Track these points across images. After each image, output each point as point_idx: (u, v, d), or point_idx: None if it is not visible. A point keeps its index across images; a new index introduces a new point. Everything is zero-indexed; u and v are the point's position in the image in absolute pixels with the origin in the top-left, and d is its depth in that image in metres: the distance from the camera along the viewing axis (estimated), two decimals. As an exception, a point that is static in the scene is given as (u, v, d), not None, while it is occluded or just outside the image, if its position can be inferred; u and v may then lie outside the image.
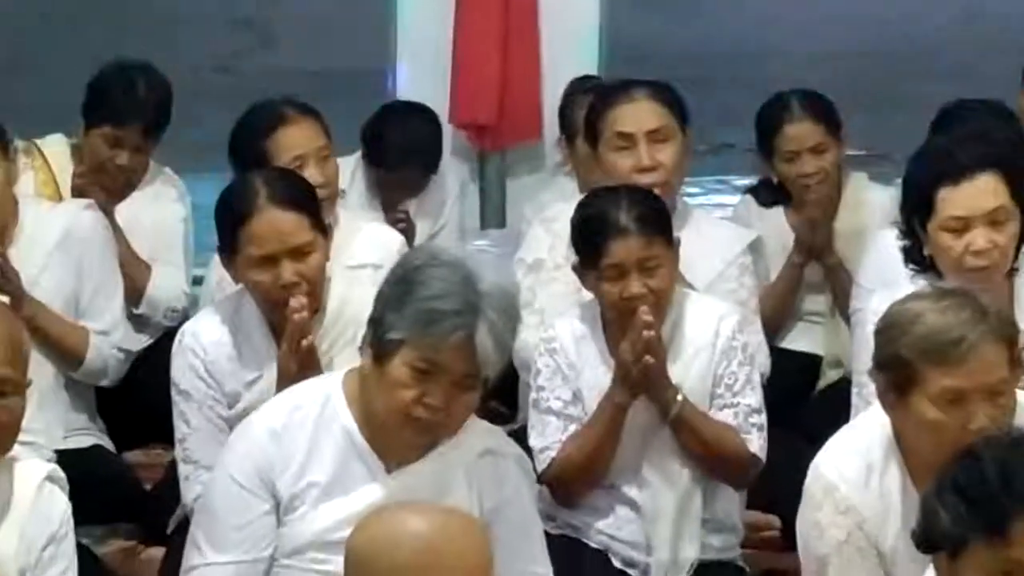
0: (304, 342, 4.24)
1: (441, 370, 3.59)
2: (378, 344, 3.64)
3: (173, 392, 4.48)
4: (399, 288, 3.67)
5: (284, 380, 4.17)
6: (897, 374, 3.59)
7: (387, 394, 3.64)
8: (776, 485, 4.44)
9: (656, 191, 4.70)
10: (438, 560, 2.74)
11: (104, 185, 5.44)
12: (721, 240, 5.15)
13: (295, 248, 4.30)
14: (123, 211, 5.44)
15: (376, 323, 3.67)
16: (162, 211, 5.61)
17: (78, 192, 5.35)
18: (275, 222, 4.30)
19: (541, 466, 4.39)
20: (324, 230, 4.45)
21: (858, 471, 3.70)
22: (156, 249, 5.50)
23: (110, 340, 5.08)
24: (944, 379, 3.52)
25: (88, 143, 5.52)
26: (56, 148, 5.61)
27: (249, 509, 3.70)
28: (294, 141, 5.02)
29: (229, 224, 4.39)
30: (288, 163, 4.94)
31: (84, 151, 5.55)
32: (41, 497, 3.62)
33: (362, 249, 4.89)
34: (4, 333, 3.55)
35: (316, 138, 5.05)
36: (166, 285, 5.43)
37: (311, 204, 4.44)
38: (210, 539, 3.75)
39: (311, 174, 4.89)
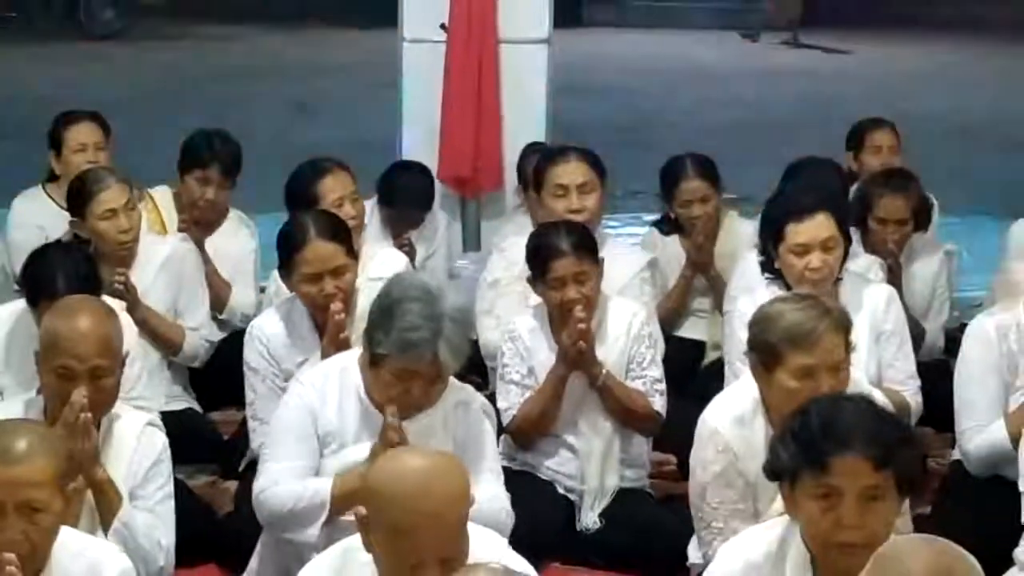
0: (342, 336, 4.25)
1: (416, 376, 3.64)
2: (371, 352, 3.67)
3: (245, 368, 4.47)
4: (384, 314, 3.66)
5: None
6: (766, 354, 3.59)
7: (379, 389, 3.70)
8: (673, 433, 4.41)
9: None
10: (429, 489, 2.74)
11: (197, 219, 5.38)
12: (628, 260, 5.12)
13: (334, 269, 4.32)
14: (211, 243, 5.37)
15: (369, 335, 3.69)
16: (238, 244, 5.54)
17: (180, 230, 5.31)
18: (319, 251, 4.32)
19: (505, 421, 4.40)
20: (355, 255, 4.46)
21: (733, 422, 3.69)
22: (235, 271, 5.42)
23: (199, 334, 5.06)
24: (800, 359, 3.52)
25: (184, 187, 5.47)
26: (162, 195, 5.54)
27: (301, 430, 3.74)
28: (335, 186, 5.01)
29: (287, 250, 4.38)
30: (331, 203, 4.92)
31: (181, 194, 5.49)
32: (144, 436, 3.63)
33: (378, 267, 4.80)
34: (100, 332, 3.52)
35: (349, 184, 5.05)
36: (241, 300, 5.39)
37: (346, 237, 4.43)
38: (274, 455, 3.77)
39: (346, 211, 4.89)
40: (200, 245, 5.27)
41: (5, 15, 15.99)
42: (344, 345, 4.21)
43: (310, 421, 3.77)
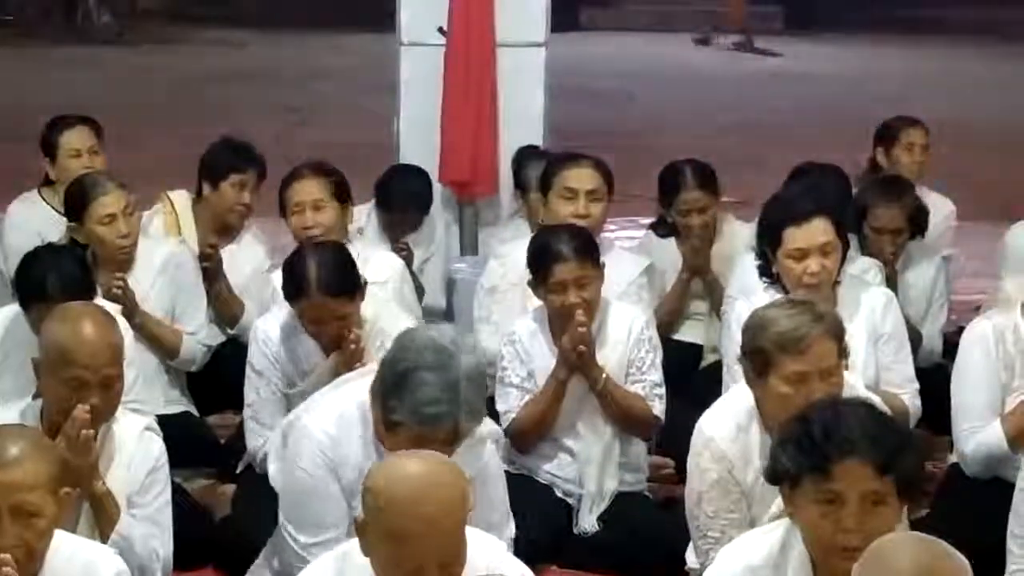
0: (356, 365, 4.09)
1: (433, 442, 3.30)
2: (385, 418, 3.41)
3: (248, 369, 4.45)
4: (398, 382, 3.38)
5: (336, 376, 4.01)
6: (759, 361, 3.57)
7: (394, 447, 3.34)
8: (672, 437, 4.41)
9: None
10: (427, 495, 2.72)
11: (230, 224, 5.42)
12: (626, 266, 5.12)
13: (342, 316, 4.24)
14: (225, 253, 5.33)
15: (383, 401, 3.40)
16: (254, 261, 5.46)
17: (207, 255, 5.23)
18: (320, 309, 4.24)
19: (504, 424, 4.39)
20: (362, 294, 4.32)
21: (729, 429, 3.68)
22: (247, 288, 5.33)
23: (197, 338, 5.04)
24: (792, 365, 3.51)
25: (219, 194, 5.41)
26: (180, 198, 5.51)
27: (325, 491, 3.50)
28: (305, 190, 4.98)
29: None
30: (296, 208, 4.93)
31: (213, 202, 5.43)
32: (142, 441, 3.62)
33: (374, 271, 4.80)
34: (109, 341, 3.56)
35: (318, 192, 4.98)
36: (255, 318, 5.07)
37: (357, 286, 4.30)
38: (301, 527, 3.53)
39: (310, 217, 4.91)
40: (216, 256, 5.24)
41: (2, 18, 15.99)
42: (357, 362, 4.14)
43: (331, 477, 3.53)
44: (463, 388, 3.36)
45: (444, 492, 2.72)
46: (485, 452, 3.71)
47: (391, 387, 3.38)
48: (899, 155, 6.03)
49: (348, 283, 4.26)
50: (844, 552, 2.83)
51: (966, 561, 2.51)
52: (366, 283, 4.33)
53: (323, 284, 4.20)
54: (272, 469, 3.77)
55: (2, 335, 4.35)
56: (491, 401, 4.36)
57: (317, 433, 3.55)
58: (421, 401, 3.33)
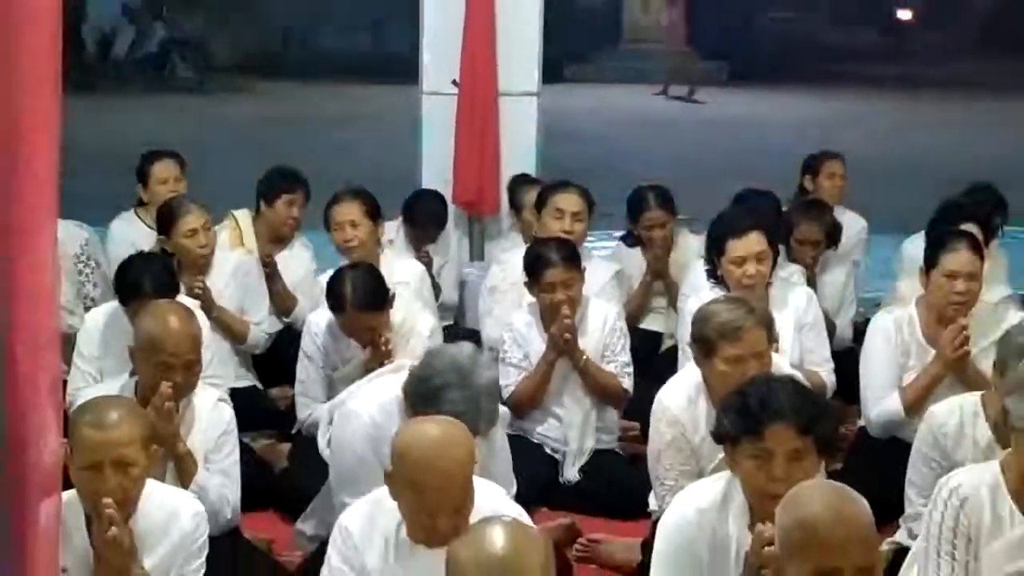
0: (386, 361, 4.01)
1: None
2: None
3: (300, 353, 4.43)
4: (427, 400, 3.24)
5: (368, 370, 3.96)
6: (704, 345, 3.57)
7: None
8: (638, 406, 4.38)
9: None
10: (442, 453, 2.74)
11: (283, 235, 5.40)
12: (601, 270, 5.12)
13: (372, 327, 4.17)
14: (280, 259, 5.30)
15: (413, 407, 3.28)
16: (303, 264, 5.42)
17: (266, 262, 5.18)
18: (359, 319, 4.16)
19: (505, 395, 4.35)
20: (391, 304, 4.23)
21: (682, 400, 3.68)
22: (299, 285, 5.29)
23: (261, 328, 5.03)
24: (731, 349, 3.51)
25: (274, 210, 5.36)
26: (243, 216, 5.47)
27: (367, 462, 3.39)
28: (347, 210, 4.94)
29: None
30: (340, 225, 4.89)
31: (269, 218, 5.39)
32: (216, 409, 3.62)
33: (400, 274, 4.81)
34: (189, 332, 3.52)
35: (357, 210, 4.95)
36: (304, 308, 5.09)
37: (385, 300, 4.20)
38: (345, 489, 3.44)
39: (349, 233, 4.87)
40: (272, 262, 5.21)
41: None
42: (388, 358, 4.08)
43: (373, 455, 3.39)
44: (482, 401, 3.28)
45: (457, 451, 2.73)
46: (498, 437, 3.64)
47: (420, 399, 3.27)
48: (822, 182, 6.00)
49: (378, 300, 4.18)
50: (774, 498, 2.80)
51: (867, 504, 2.51)
52: (393, 296, 4.24)
53: (357, 302, 4.13)
54: (321, 443, 3.72)
55: (105, 325, 4.34)
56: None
57: (364, 416, 3.48)
58: (448, 415, 3.12)
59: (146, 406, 3.33)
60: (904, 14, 22.48)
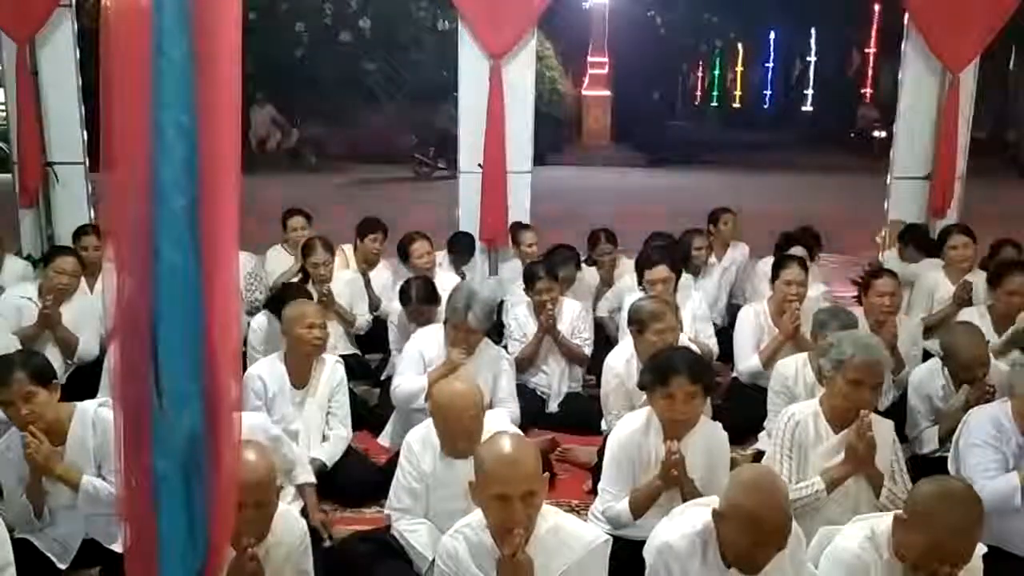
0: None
1: (461, 329, 3.54)
2: (449, 319, 3.69)
3: (389, 324, 4.59)
4: (455, 301, 3.68)
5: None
6: (638, 325, 3.56)
7: (449, 338, 3.69)
8: (595, 365, 4.31)
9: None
10: (457, 400, 2.73)
11: (372, 261, 5.22)
12: (571, 306, 4.89)
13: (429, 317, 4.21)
14: (371, 278, 5.20)
15: (449, 313, 3.69)
16: (384, 277, 5.30)
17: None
18: (419, 310, 4.28)
19: (513, 358, 4.24)
20: (439, 301, 4.21)
21: (621, 361, 3.65)
22: (382, 291, 5.19)
23: (364, 317, 4.97)
24: (656, 326, 3.49)
25: (364, 245, 5.30)
26: (348, 249, 5.42)
27: (418, 355, 3.76)
28: (422, 246, 4.96)
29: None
30: (418, 256, 4.89)
31: (362, 250, 5.32)
32: (336, 369, 3.56)
33: (445, 284, 4.70)
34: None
35: (428, 246, 5.01)
36: (387, 309, 5.03)
37: (437, 300, 4.25)
38: (402, 370, 3.74)
39: (423, 260, 4.88)
40: (368, 279, 5.15)
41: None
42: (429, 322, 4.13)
43: (419, 353, 3.73)
44: (473, 304, 3.57)
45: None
46: (503, 363, 3.76)
47: (451, 308, 3.63)
48: (720, 227, 5.84)
49: (432, 298, 4.27)
50: (676, 423, 2.83)
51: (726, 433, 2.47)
52: (440, 298, 4.25)
53: (420, 298, 4.24)
54: (394, 390, 3.81)
55: (259, 327, 4.30)
56: (505, 348, 4.30)
57: (422, 334, 3.80)
58: (452, 304, 3.63)
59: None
60: (761, 120, 23.36)
